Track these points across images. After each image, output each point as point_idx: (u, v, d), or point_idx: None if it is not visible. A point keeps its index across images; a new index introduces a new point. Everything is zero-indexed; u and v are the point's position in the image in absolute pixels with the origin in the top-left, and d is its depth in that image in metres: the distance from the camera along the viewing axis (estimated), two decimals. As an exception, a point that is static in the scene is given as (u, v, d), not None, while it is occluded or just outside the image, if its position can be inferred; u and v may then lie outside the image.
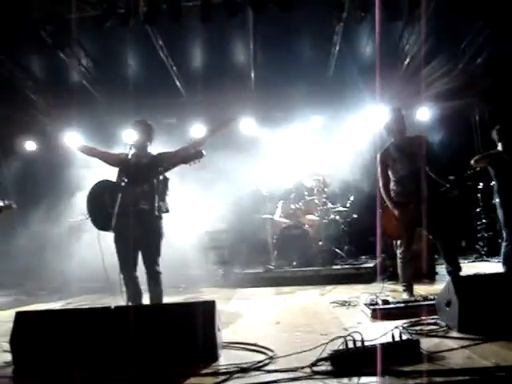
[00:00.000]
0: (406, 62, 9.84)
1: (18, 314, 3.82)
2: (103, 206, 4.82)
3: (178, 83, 10.70)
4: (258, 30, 9.09)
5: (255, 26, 8.91)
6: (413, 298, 5.26)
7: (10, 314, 5.98)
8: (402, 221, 5.54)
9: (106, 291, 5.83)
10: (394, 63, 9.78)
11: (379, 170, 5.82)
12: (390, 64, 9.25)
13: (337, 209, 9.25)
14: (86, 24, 8.33)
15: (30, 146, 11.65)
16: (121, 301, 4.74)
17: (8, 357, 3.72)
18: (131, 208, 4.71)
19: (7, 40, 8.62)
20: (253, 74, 10.40)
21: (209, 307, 3.57)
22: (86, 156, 5.45)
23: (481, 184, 9.28)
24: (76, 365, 3.38)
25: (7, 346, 3.75)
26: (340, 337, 3.30)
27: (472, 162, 6.28)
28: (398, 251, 5.75)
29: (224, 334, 3.92)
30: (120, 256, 4.80)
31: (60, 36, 8.52)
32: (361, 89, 9.87)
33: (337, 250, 8.70)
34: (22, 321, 3.74)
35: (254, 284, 7.98)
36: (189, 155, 4.86)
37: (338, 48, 9.60)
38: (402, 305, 4.76)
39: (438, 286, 5.62)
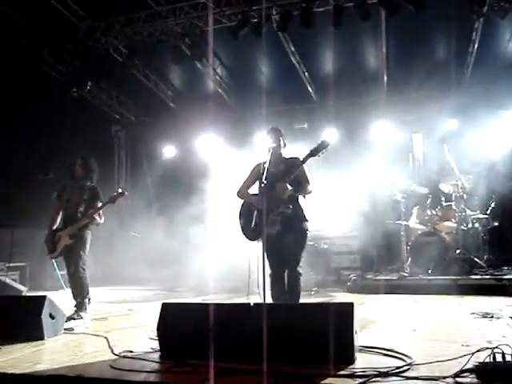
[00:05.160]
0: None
1: (164, 305, 4.04)
2: (252, 219, 4.97)
3: (309, 88, 10.79)
4: (390, 32, 8.89)
5: (387, 27, 8.73)
6: None
7: (153, 306, 6.42)
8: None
9: (241, 291, 5.99)
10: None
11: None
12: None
13: (476, 216, 8.71)
14: (221, 35, 8.73)
15: (170, 150, 12.41)
16: (257, 300, 4.86)
17: (154, 343, 4.03)
18: (279, 212, 4.82)
19: (153, 54, 9.28)
20: (385, 78, 10.19)
21: (347, 309, 3.55)
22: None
23: None
24: (214, 354, 3.47)
25: (153, 334, 4.06)
26: (486, 348, 3.12)
27: None
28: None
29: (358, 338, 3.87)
30: (269, 257, 4.81)
31: (197, 47, 8.99)
32: (502, 89, 9.29)
33: (476, 259, 8.22)
34: (168, 311, 3.97)
35: (387, 291, 7.76)
36: (315, 148, 4.87)
37: (476, 46, 9.10)
38: (557, 320, 4.40)
39: None
